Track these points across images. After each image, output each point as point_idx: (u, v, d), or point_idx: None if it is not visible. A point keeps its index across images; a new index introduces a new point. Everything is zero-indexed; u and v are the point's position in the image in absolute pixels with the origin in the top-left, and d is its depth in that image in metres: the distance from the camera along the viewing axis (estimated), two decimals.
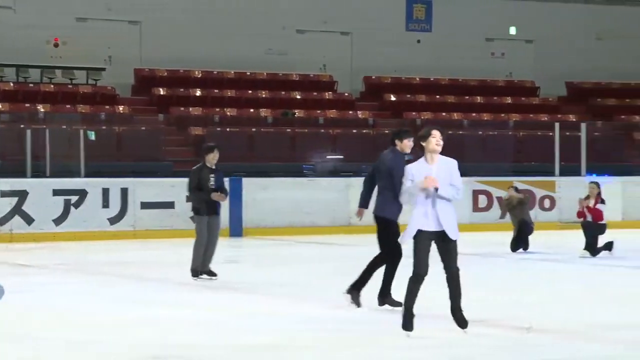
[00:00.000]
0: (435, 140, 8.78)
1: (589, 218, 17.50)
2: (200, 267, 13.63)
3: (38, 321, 10.26)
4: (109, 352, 8.38)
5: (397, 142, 10.86)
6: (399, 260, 10.62)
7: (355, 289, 10.75)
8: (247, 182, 22.58)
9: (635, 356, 8.29)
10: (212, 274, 13.65)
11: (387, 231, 10.70)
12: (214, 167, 13.65)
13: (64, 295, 12.82)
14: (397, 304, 10.21)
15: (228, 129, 27.69)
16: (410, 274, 8.76)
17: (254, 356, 8.31)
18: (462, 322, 8.80)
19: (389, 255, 10.65)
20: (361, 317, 10.21)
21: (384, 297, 10.69)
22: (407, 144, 10.82)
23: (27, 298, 12.01)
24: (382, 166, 10.98)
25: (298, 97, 30.47)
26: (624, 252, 17.74)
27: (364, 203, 11.20)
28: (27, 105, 27.88)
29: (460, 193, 8.94)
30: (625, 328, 9.68)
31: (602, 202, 17.54)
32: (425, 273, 8.75)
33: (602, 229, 17.62)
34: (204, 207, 13.60)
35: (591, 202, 17.50)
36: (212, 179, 13.50)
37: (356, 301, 10.66)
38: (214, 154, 13.64)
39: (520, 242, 18.36)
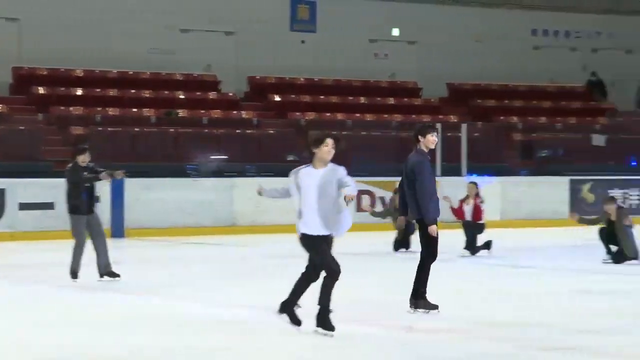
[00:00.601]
0: (328, 148, 8.83)
1: (469, 217, 17.89)
2: (101, 269, 13.51)
3: None
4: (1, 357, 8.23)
5: (420, 138, 10.66)
6: (432, 262, 10.63)
7: (418, 299, 10.62)
8: (129, 182, 22.30)
9: (522, 354, 8.52)
10: (114, 274, 13.54)
11: (429, 233, 10.54)
12: (85, 166, 13.62)
13: None
14: (433, 307, 10.36)
15: (110, 129, 27.32)
16: (326, 275, 8.84)
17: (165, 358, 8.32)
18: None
19: (427, 256, 10.57)
20: (254, 318, 10.26)
21: (417, 299, 10.57)
22: (430, 140, 10.67)
23: None
24: (406, 169, 10.73)
25: (182, 96, 30.25)
26: (502, 250, 18.19)
27: (403, 211, 10.81)
28: None
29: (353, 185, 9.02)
30: (509, 326, 9.95)
31: (481, 201, 17.96)
32: (340, 269, 8.85)
33: (481, 228, 18.03)
34: (83, 206, 13.46)
35: (470, 202, 17.90)
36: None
37: (429, 307, 10.48)
38: (84, 155, 13.60)
39: (402, 242, 18.64)
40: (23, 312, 11.16)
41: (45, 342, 8.87)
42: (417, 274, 10.57)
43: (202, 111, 29.45)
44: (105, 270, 13.51)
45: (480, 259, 17.44)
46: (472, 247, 17.72)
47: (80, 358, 8.23)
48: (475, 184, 18.27)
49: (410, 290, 10.55)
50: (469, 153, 25.82)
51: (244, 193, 23.71)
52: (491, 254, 17.78)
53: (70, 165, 13.77)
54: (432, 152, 11.22)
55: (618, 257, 16.17)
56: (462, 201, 18.14)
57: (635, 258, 16.21)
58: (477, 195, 17.99)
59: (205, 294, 12.94)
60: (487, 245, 17.87)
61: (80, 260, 13.46)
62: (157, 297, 12.48)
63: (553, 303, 11.90)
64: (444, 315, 10.51)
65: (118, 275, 13.51)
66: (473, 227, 17.86)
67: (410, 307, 10.47)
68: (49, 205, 21.34)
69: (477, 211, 17.89)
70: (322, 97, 32.27)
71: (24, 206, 21.73)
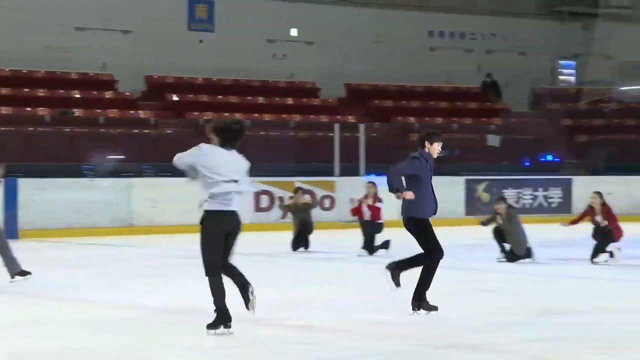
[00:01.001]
0: None
1: (367, 217, 18.02)
2: (11, 271, 13.21)
3: None
4: None
5: (427, 143, 10.55)
6: (438, 262, 10.56)
7: (398, 269, 10.62)
8: (23, 182, 21.93)
9: (419, 352, 8.62)
10: (25, 273, 13.26)
11: (421, 231, 10.50)
12: None
13: None
14: (433, 309, 10.28)
15: (3, 128, 26.80)
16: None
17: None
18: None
19: (431, 253, 10.46)
20: (151, 318, 10.17)
21: (420, 301, 10.47)
22: (435, 148, 10.59)
23: None
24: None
25: (77, 96, 29.79)
26: (400, 250, 18.30)
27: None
28: None
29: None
30: (407, 324, 10.07)
31: (380, 201, 18.09)
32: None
33: (379, 227, 18.18)
34: None
35: (369, 201, 18.04)
36: None
37: (396, 281, 10.48)
38: None
39: (300, 242, 18.70)
40: None
41: None
42: (422, 275, 10.50)
43: (99, 111, 29.06)
44: (16, 270, 13.26)
45: (379, 258, 17.55)
46: (370, 246, 17.86)
47: None
48: (373, 183, 18.41)
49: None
50: (367, 153, 25.99)
51: (142, 193, 23.51)
52: (389, 254, 17.90)
53: None
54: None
55: (511, 256, 16.48)
56: (361, 201, 18.28)
57: (529, 256, 16.55)
58: (375, 194, 18.12)
59: (104, 294, 12.75)
60: (386, 244, 18.01)
61: None
62: (59, 300, 12.29)
63: (449, 301, 12.01)
64: (344, 315, 10.59)
65: (29, 273, 13.25)
66: (371, 227, 17.99)
67: (414, 309, 10.46)
68: None
69: (376, 211, 18.04)
70: (220, 97, 32.16)
71: None
